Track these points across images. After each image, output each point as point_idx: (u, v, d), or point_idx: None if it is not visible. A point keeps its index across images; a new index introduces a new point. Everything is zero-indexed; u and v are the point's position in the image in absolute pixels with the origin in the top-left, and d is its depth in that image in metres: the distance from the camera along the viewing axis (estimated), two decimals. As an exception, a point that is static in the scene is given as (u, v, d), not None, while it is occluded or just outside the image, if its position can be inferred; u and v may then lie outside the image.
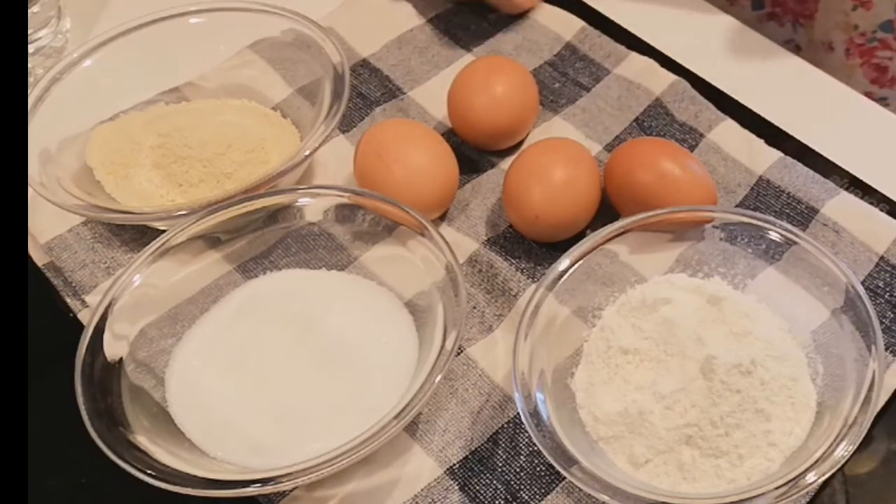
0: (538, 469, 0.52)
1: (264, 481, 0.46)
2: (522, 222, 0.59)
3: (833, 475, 0.48)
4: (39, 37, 0.71)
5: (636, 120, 0.66)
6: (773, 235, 0.53)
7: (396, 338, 0.54)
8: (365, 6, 0.74)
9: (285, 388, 0.52)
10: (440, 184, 0.59)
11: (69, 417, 0.48)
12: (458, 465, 0.52)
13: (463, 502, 0.51)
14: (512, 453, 0.52)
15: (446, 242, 0.53)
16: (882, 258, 0.58)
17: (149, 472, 0.46)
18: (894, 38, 0.69)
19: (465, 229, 0.61)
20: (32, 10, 0.70)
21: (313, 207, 0.57)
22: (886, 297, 0.57)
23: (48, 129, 0.61)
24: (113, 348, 0.52)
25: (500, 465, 0.52)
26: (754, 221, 0.54)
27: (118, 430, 0.48)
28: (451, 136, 0.65)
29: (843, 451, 0.46)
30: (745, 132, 0.65)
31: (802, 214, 0.60)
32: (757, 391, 0.48)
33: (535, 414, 0.48)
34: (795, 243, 0.53)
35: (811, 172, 0.62)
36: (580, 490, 0.50)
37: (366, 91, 0.69)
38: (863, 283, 0.57)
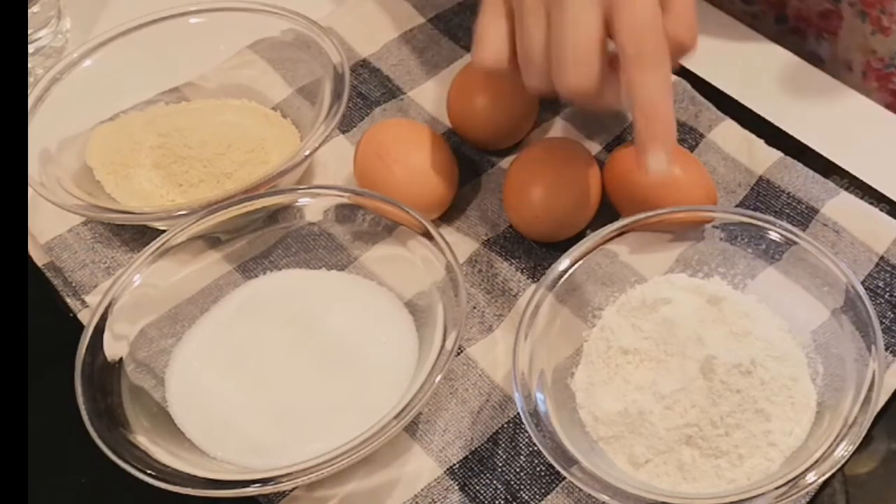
0: (538, 469, 0.52)
1: (264, 481, 0.46)
2: (522, 222, 0.59)
3: (833, 475, 0.48)
4: (39, 37, 0.71)
5: (636, 120, 0.66)
6: (773, 235, 0.53)
7: (396, 338, 0.54)
8: (365, 6, 0.74)
9: (285, 388, 0.52)
10: (440, 184, 0.59)
11: (69, 417, 0.48)
12: (458, 465, 0.52)
13: (463, 502, 0.51)
14: (512, 453, 0.52)
15: (446, 242, 0.53)
16: (882, 258, 0.58)
17: (149, 472, 0.46)
18: None
19: (465, 229, 0.61)
20: (32, 10, 0.69)
21: (313, 207, 0.57)
22: (886, 297, 0.57)
23: (48, 129, 0.61)
24: (113, 348, 0.52)
25: (500, 465, 0.52)
26: (754, 221, 0.54)
27: (118, 430, 0.48)
28: (451, 136, 0.65)
29: (843, 451, 0.46)
30: (745, 132, 0.65)
31: (802, 214, 0.60)
32: (757, 391, 0.48)
33: (535, 414, 0.48)
34: (795, 243, 0.53)
35: (811, 172, 0.62)
36: (580, 490, 0.50)
37: (366, 91, 0.69)
38: (863, 283, 0.57)
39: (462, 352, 0.56)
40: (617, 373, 0.51)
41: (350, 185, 0.62)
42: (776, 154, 0.63)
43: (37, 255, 0.61)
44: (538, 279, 0.55)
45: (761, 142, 0.64)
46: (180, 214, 0.56)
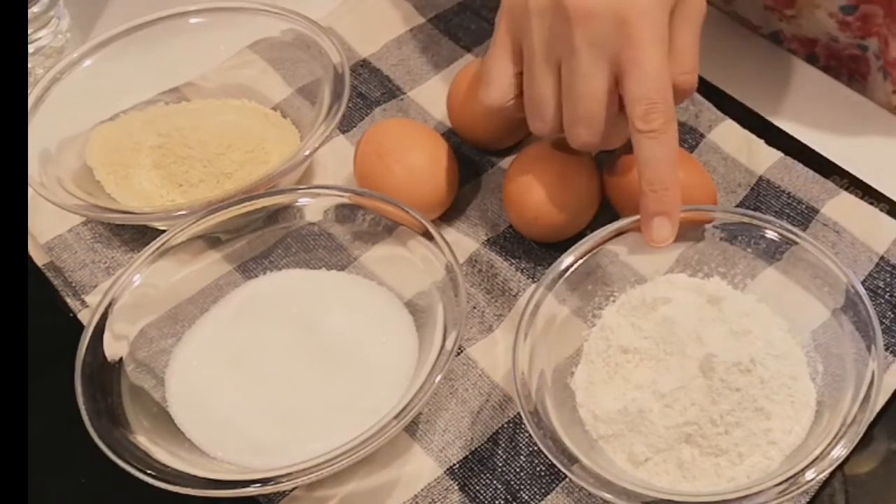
0: (538, 469, 0.52)
1: (264, 481, 0.46)
2: (522, 222, 0.59)
3: (833, 474, 0.48)
4: (39, 37, 0.71)
5: (636, 120, 0.66)
6: (773, 235, 0.54)
7: (396, 338, 0.54)
8: (365, 6, 0.74)
9: (285, 388, 0.52)
10: (440, 184, 0.59)
11: (69, 417, 0.48)
12: (458, 465, 0.52)
13: (463, 502, 0.51)
14: (512, 453, 0.52)
15: (446, 242, 0.53)
16: (882, 258, 0.58)
17: (149, 472, 0.46)
18: None
19: (465, 229, 0.61)
20: (32, 10, 0.69)
21: (313, 207, 0.57)
22: (886, 297, 0.57)
23: (48, 129, 0.61)
24: (113, 348, 0.52)
25: (500, 465, 0.52)
26: (754, 221, 0.54)
27: (118, 430, 0.48)
28: (451, 136, 0.65)
29: (843, 449, 0.46)
30: (745, 132, 0.65)
31: (802, 214, 0.60)
32: (756, 389, 0.49)
33: (535, 414, 0.48)
34: (795, 243, 0.53)
35: (811, 172, 0.62)
36: (580, 490, 0.50)
37: (366, 91, 0.69)
38: (863, 283, 0.57)
39: (462, 352, 0.56)
40: (617, 372, 0.51)
41: (350, 185, 0.62)
42: (776, 154, 0.63)
43: (37, 255, 0.61)
44: (538, 279, 0.55)
45: (761, 142, 0.64)
46: (180, 214, 0.56)
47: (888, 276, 0.57)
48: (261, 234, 0.58)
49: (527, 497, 0.51)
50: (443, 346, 0.50)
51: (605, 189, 0.60)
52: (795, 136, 0.65)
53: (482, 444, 0.53)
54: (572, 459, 0.47)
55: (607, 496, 0.45)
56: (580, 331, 0.54)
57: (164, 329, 0.54)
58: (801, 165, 0.63)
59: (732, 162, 0.63)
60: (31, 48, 0.70)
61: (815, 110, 0.67)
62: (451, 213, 0.62)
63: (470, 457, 0.52)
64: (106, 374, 0.51)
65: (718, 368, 0.48)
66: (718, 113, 0.66)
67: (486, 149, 0.65)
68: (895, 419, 0.53)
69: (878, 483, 0.52)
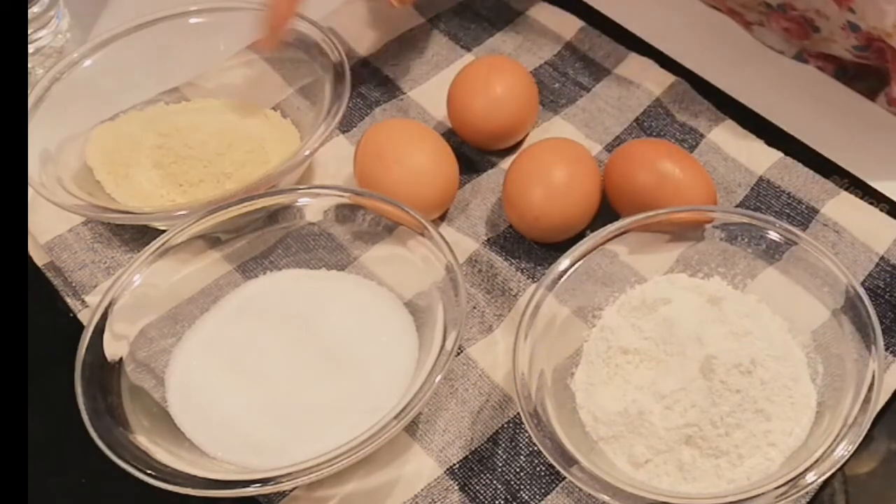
0: (538, 469, 0.52)
1: (264, 481, 0.46)
2: (522, 223, 0.59)
3: (833, 475, 0.48)
4: (39, 37, 0.71)
5: (636, 120, 0.66)
6: (773, 235, 0.53)
7: (396, 338, 0.54)
8: (365, 6, 0.74)
9: (285, 388, 0.52)
10: (440, 184, 0.59)
11: (69, 417, 0.48)
12: (458, 465, 0.52)
13: (463, 502, 0.51)
14: (512, 453, 0.52)
15: (446, 242, 0.53)
16: (882, 258, 0.58)
17: (149, 472, 0.46)
18: None
19: (465, 229, 0.61)
20: (32, 10, 0.69)
21: (313, 207, 0.57)
22: (886, 297, 0.57)
23: (48, 129, 0.61)
24: (113, 348, 0.52)
25: (500, 465, 0.52)
26: (754, 221, 0.54)
27: (118, 430, 0.48)
28: (451, 136, 0.65)
29: (843, 450, 0.46)
30: (745, 132, 0.65)
31: (802, 214, 0.60)
32: (757, 391, 0.48)
33: (535, 414, 0.48)
34: (795, 243, 0.53)
35: (811, 172, 0.62)
36: (580, 490, 0.50)
37: (366, 91, 0.69)
38: (863, 283, 0.57)
39: (462, 352, 0.56)
40: (617, 373, 0.51)
41: (350, 185, 0.62)
42: (776, 154, 0.63)
43: (37, 255, 0.61)
44: (538, 279, 0.55)
45: (761, 142, 0.64)
46: (180, 214, 0.56)
47: (888, 276, 0.57)
48: (261, 234, 0.58)
49: (527, 497, 0.51)
50: (443, 346, 0.50)
51: (605, 189, 0.60)
52: (795, 136, 0.65)
53: (482, 444, 0.53)
54: (572, 461, 0.47)
55: (607, 498, 0.45)
56: (580, 331, 0.54)
57: (164, 329, 0.54)
58: (801, 165, 0.63)
59: (732, 162, 0.63)
60: (31, 48, 0.70)
61: (815, 110, 0.67)
62: (451, 213, 0.62)
63: (470, 457, 0.52)
64: (106, 374, 0.51)
65: (719, 370, 0.48)
66: (718, 113, 0.66)
67: (486, 149, 0.65)
68: (895, 419, 0.53)
69: (878, 483, 0.52)
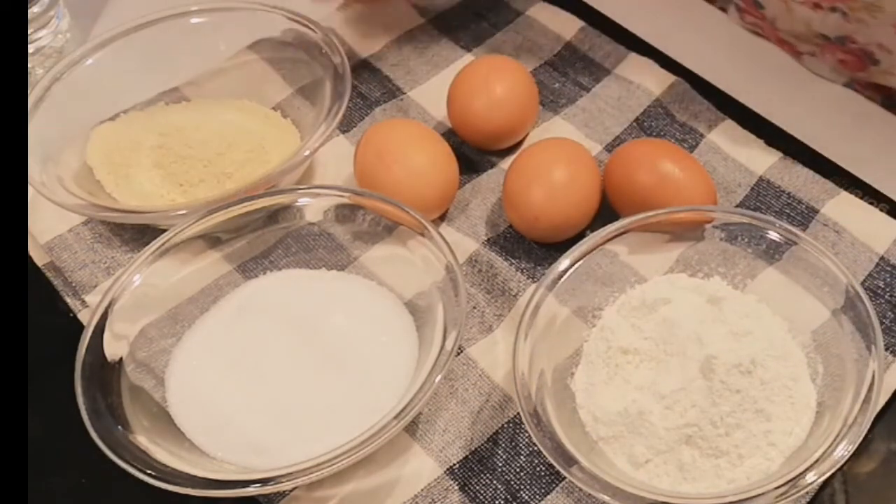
0: (538, 469, 0.52)
1: (264, 481, 0.46)
2: (522, 223, 0.59)
3: (833, 475, 0.48)
4: (39, 37, 0.71)
5: (636, 120, 0.66)
6: (773, 235, 0.53)
7: (396, 338, 0.54)
8: (365, 6, 0.74)
9: (285, 388, 0.52)
10: (440, 184, 0.59)
11: (69, 417, 0.48)
12: (458, 465, 0.52)
13: (463, 502, 0.51)
14: (512, 453, 0.52)
15: (446, 242, 0.53)
16: (882, 258, 0.58)
17: (149, 472, 0.46)
18: None
19: (465, 229, 0.61)
20: (32, 10, 0.69)
21: (313, 207, 0.57)
22: (886, 297, 0.57)
23: (48, 129, 0.61)
24: (113, 348, 0.52)
25: (500, 465, 0.52)
26: (754, 221, 0.54)
27: (118, 430, 0.48)
28: (451, 136, 0.65)
29: (843, 450, 0.46)
30: (745, 132, 0.65)
31: (802, 214, 0.61)
32: (757, 391, 0.48)
33: (535, 414, 0.48)
34: (795, 243, 0.53)
35: (811, 172, 0.62)
36: (580, 490, 0.50)
37: (366, 91, 0.69)
38: (863, 283, 0.57)
39: (462, 352, 0.56)
40: (617, 373, 0.51)
41: (350, 185, 0.62)
42: (776, 154, 0.63)
43: (37, 255, 0.61)
44: (538, 279, 0.55)
45: (761, 142, 0.64)
46: (180, 214, 0.56)
47: (888, 276, 0.57)
48: (261, 234, 0.58)
49: (527, 497, 0.51)
50: (443, 346, 0.50)
51: (605, 189, 0.60)
52: (795, 136, 0.65)
53: (482, 444, 0.53)
54: (572, 461, 0.47)
55: (607, 498, 0.45)
56: (580, 331, 0.54)
57: (164, 329, 0.54)
58: (801, 165, 0.63)
59: (732, 162, 0.63)
60: (31, 48, 0.70)
61: (815, 110, 0.67)
62: (451, 213, 0.62)
63: (470, 457, 0.52)
64: (106, 374, 0.51)
65: (719, 370, 0.48)
66: (718, 113, 0.66)
67: (486, 149, 0.65)
68: (895, 419, 0.53)
69: (878, 483, 0.52)
